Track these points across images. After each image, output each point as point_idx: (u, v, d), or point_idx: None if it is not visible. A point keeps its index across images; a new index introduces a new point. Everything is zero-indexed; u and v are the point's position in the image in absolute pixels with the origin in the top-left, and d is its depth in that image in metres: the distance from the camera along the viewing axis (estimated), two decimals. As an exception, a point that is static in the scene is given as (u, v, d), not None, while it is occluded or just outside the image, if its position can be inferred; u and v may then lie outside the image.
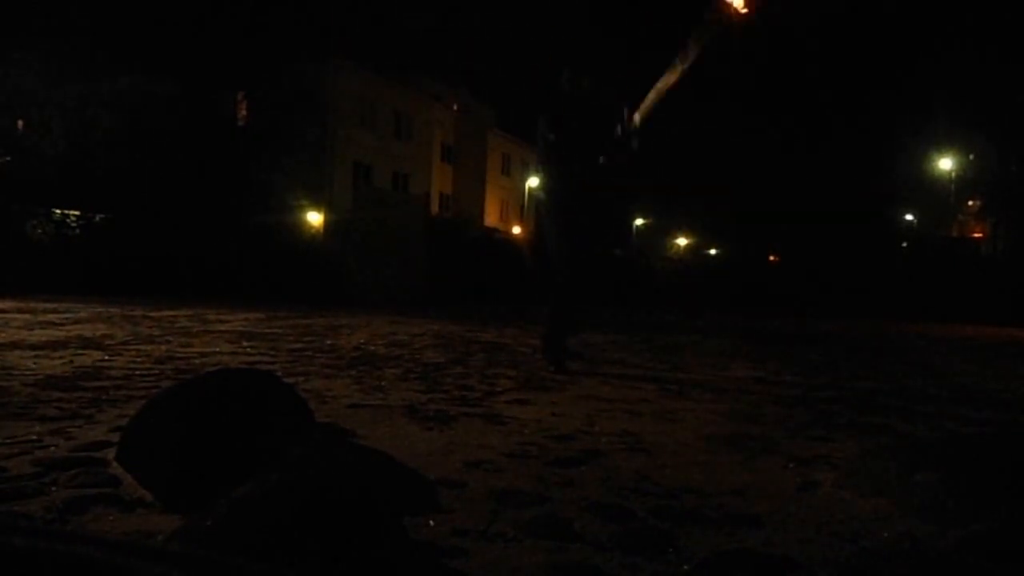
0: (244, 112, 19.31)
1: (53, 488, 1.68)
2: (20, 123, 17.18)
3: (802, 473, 2.12)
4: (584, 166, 4.55)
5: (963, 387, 4.54)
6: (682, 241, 47.63)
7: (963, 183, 32.71)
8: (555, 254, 4.67)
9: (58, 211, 14.46)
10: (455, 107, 39.86)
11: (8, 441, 2.08)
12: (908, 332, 11.98)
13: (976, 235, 33.93)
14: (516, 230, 37.40)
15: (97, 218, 14.81)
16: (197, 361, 4.21)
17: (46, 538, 0.75)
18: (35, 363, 3.78)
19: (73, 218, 14.60)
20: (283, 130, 18.48)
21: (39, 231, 14.16)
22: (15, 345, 4.59)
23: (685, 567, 1.38)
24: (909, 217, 37.34)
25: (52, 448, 2.03)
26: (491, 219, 39.59)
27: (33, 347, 4.51)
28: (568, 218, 4.58)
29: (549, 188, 4.70)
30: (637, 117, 4.46)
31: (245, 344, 5.32)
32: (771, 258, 29.18)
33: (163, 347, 4.88)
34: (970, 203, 34.86)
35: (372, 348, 5.41)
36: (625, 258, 24.59)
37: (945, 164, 32.63)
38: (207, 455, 1.65)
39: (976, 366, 6.20)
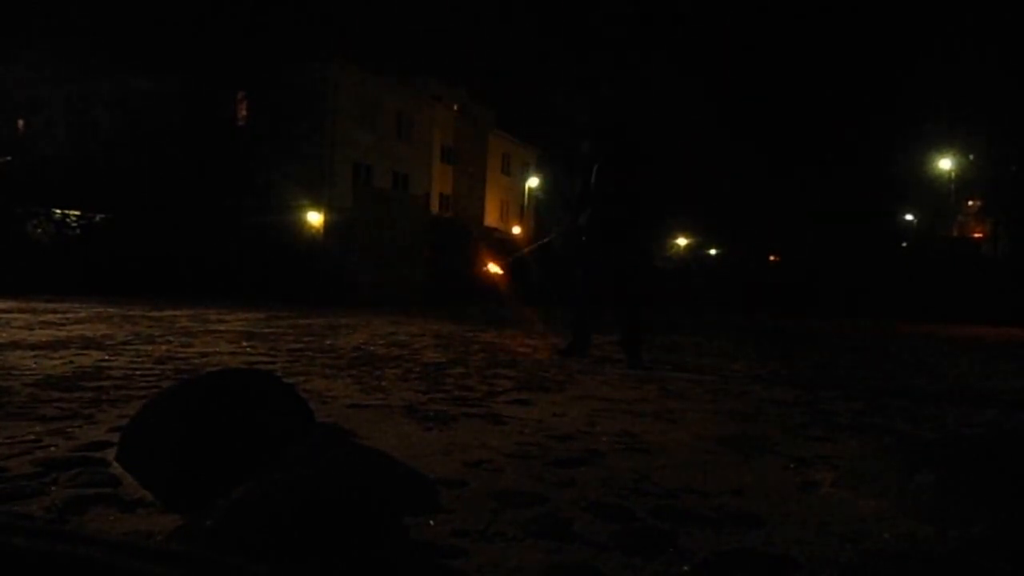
0: (244, 112, 19.29)
1: (53, 488, 1.68)
2: (20, 123, 17.19)
3: (802, 473, 2.12)
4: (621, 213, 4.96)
5: (963, 387, 4.54)
6: (682, 241, 47.59)
7: (963, 183, 32.72)
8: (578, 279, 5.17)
9: (58, 211, 14.45)
10: (455, 107, 39.83)
11: (8, 441, 2.08)
12: (908, 332, 11.98)
13: (976, 235, 33.93)
14: (516, 230, 37.38)
15: (97, 218, 14.80)
16: (197, 361, 4.21)
17: (46, 538, 0.76)
18: (35, 363, 3.77)
19: (73, 218, 14.59)
20: (283, 130, 18.46)
21: (40, 231, 14.16)
22: (15, 345, 4.59)
23: (685, 567, 1.38)
24: (909, 217, 37.35)
25: (52, 448, 2.03)
26: (491, 219, 39.57)
27: (33, 347, 4.51)
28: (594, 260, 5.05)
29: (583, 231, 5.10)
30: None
31: (245, 344, 5.32)
32: (771, 258, 29.14)
33: (163, 347, 4.88)
34: (970, 203, 34.87)
35: (372, 348, 5.41)
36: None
37: (945, 164, 32.63)
38: (207, 455, 1.65)
39: (976, 366, 6.20)
